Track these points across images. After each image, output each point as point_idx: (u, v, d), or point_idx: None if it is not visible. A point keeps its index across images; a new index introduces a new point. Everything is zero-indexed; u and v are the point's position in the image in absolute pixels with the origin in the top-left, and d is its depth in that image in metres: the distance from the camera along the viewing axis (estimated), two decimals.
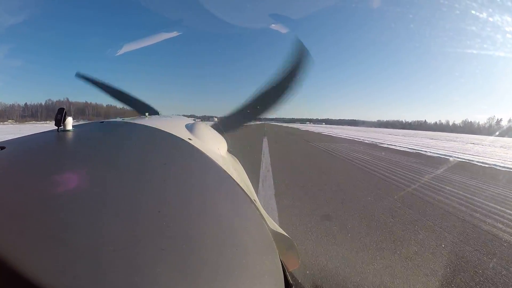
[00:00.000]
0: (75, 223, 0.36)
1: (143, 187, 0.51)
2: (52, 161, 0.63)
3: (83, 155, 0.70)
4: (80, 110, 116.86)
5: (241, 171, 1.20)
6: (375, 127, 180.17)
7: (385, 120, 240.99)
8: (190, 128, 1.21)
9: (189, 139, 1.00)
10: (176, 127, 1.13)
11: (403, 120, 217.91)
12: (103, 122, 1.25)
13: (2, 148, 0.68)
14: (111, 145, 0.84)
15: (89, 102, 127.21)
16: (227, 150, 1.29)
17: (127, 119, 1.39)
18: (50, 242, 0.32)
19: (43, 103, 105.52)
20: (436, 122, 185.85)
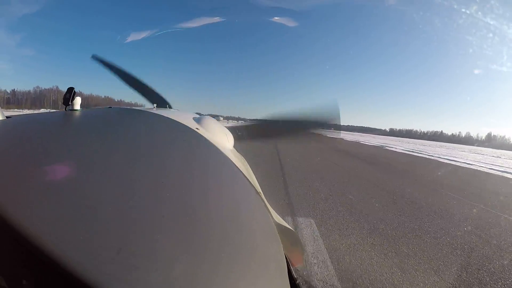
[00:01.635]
0: (77, 200, 0.35)
1: (149, 171, 0.50)
2: (56, 137, 0.61)
3: (88, 135, 0.68)
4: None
5: (246, 165, 1.14)
6: (387, 135, 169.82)
7: (397, 128, 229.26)
8: (198, 120, 1.22)
9: (196, 128, 0.99)
10: (184, 118, 1.13)
11: (418, 130, 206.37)
12: (111, 107, 1.24)
13: (8, 117, 0.69)
14: (118, 129, 0.83)
15: (79, 91, 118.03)
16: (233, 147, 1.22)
17: (135, 107, 1.40)
18: (49, 216, 0.31)
19: (31, 90, 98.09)
20: (453, 134, 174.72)
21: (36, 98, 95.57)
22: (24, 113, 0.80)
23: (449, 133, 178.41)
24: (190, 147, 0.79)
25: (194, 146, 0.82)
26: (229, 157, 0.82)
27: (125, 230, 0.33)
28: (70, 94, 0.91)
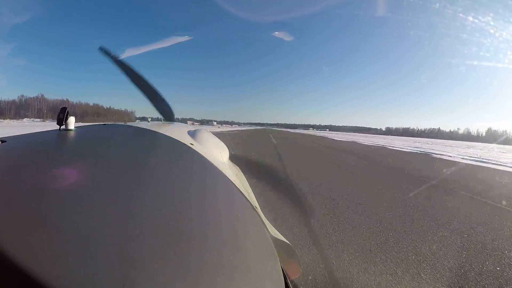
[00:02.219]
0: (71, 223, 0.35)
1: (144, 189, 0.50)
2: (52, 158, 0.62)
3: (83, 155, 0.69)
4: (55, 109, 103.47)
5: (242, 178, 1.15)
6: (384, 134, 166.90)
7: (394, 127, 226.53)
8: (192, 134, 1.23)
9: (191, 144, 0.99)
10: (178, 133, 1.14)
11: (415, 128, 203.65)
12: (105, 124, 1.25)
13: (3, 141, 0.70)
14: (113, 147, 0.84)
15: (65, 99, 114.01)
16: (229, 158, 1.29)
17: (129, 123, 1.40)
18: (44, 238, 0.31)
19: (16, 99, 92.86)
20: (451, 130, 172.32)
21: (20, 107, 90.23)
22: (18, 135, 0.86)
23: (447, 130, 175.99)
24: (185, 164, 0.79)
25: (189, 163, 0.82)
26: (224, 172, 0.82)
27: (121, 250, 0.32)
28: (64, 114, 0.93)
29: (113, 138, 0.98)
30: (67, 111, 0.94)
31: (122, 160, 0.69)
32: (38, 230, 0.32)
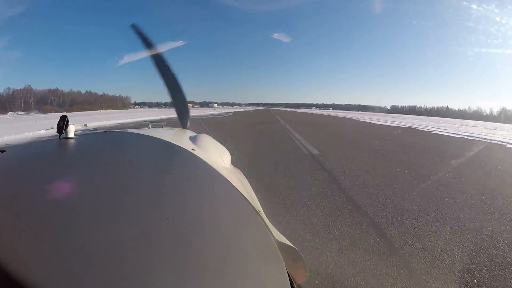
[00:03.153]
0: (74, 233, 0.35)
1: (146, 197, 0.51)
2: (52, 167, 0.63)
3: (84, 163, 0.70)
4: (42, 99, 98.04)
5: (245, 182, 1.17)
6: (390, 113, 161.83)
7: (400, 105, 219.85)
8: (193, 139, 1.25)
9: (192, 149, 1.00)
10: (179, 138, 1.19)
11: (423, 106, 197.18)
12: (105, 132, 1.28)
13: (2, 151, 0.70)
14: (114, 154, 0.85)
15: (55, 88, 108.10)
16: (231, 163, 1.29)
17: (130, 130, 1.42)
18: (45, 248, 0.32)
19: (3, 92, 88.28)
20: (460, 109, 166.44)
21: (7, 100, 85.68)
22: (18, 144, 0.88)
23: (456, 108, 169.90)
24: (186, 169, 0.81)
25: (190, 168, 0.83)
26: (227, 176, 0.82)
27: (125, 258, 0.32)
28: (64, 122, 0.94)
29: (113, 146, 0.99)
30: (67, 119, 0.95)
31: (123, 167, 0.69)
32: (40, 240, 0.33)
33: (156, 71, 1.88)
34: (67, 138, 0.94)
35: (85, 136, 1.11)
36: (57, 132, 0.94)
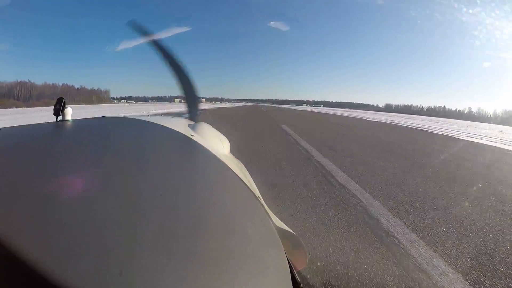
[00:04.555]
0: (71, 216, 0.35)
1: (145, 180, 0.51)
2: (49, 149, 0.62)
3: (81, 145, 0.69)
4: (9, 93, 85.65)
5: (244, 169, 1.13)
6: (384, 111, 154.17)
7: (394, 104, 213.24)
8: (192, 126, 1.23)
9: (191, 135, 1.00)
10: (178, 125, 1.14)
11: (419, 105, 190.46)
12: (103, 117, 1.26)
13: None
14: (112, 138, 0.85)
15: (27, 81, 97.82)
16: (230, 151, 1.29)
17: (128, 116, 1.35)
18: (41, 235, 0.31)
19: None
20: (458, 109, 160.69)
21: None
22: (14, 126, 0.87)
23: (453, 108, 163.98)
24: (186, 154, 0.81)
25: (190, 153, 0.83)
26: (226, 162, 0.82)
27: (125, 242, 0.32)
28: (61, 104, 0.93)
29: (112, 130, 0.97)
30: (64, 101, 0.93)
31: (122, 151, 0.68)
32: (35, 224, 0.32)
33: (162, 62, 1.80)
34: (64, 120, 0.93)
35: (82, 120, 1.06)
36: (54, 114, 0.92)
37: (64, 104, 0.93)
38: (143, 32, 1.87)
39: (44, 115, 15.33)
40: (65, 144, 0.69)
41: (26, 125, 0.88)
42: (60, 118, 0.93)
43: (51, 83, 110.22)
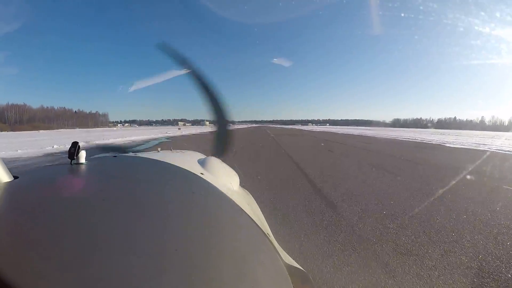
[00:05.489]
0: (87, 259, 0.36)
1: (157, 222, 0.52)
2: (65, 193, 0.65)
3: (96, 189, 0.72)
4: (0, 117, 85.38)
5: (254, 205, 1.16)
6: (392, 127, 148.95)
7: (402, 118, 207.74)
8: (202, 163, 1.25)
9: (201, 173, 1.01)
10: (189, 162, 1.16)
11: (429, 118, 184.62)
12: (116, 156, 1.28)
13: (16, 177, 0.73)
14: (125, 180, 0.87)
15: (22, 104, 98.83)
16: (240, 185, 1.29)
17: (139, 154, 1.42)
18: (58, 275, 0.33)
19: None
20: (467, 119, 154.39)
21: None
22: (30, 170, 0.91)
23: (464, 119, 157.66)
24: (196, 194, 0.82)
25: (199, 192, 0.84)
26: (235, 200, 0.83)
27: (132, 285, 0.33)
28: (75, 148, 0.97)
29: (124, 171, 1.00)
30: (78, 145, 0.98)
31: (134, 194, 0.70)
32: (53, 267, 0.33)
33: (198, 91, 1.85)
34: (78, 163, 0.96)
35: (96, 160, 1.10)
36: (68, 157, 0.97)
37: (79, 148, 0.97)
38: (174, 55, 1.89)
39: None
40: (81, 187, 0.72)
41: (42, 168, 1.00)
42: (74, 161, 0.97)
43: (48, 106, 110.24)
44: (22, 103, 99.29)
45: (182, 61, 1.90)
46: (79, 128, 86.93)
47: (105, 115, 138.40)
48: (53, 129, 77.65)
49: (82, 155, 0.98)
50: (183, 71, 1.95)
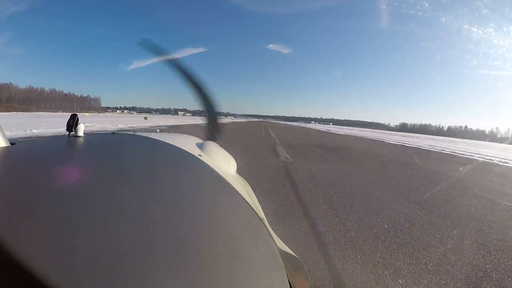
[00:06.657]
0: (78, 229, 0.36)
1: (151, 200, 0.52)
2: (61, 164, 0.65)
3: (91, 161, 0.72)
4: None
5: (249, 190, 1.15)
6: (398, 131, 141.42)
7: (410, 123, 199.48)
8: (200, 146, 1.24)
9: (199, 155, 1.01)
10: (187, 144, 1.16)
11: (438, 125, 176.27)
12: (114, 133, 1.31)
13: (13, 143, 0.74)
14: (121, 155, 0.87)
15: (9, 83, 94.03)
16: (236, 171, 1.31)
17: (138, 133, 1.44)
18: (50, 243, 0.33)
19: None
20: (479, 129, 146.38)
21: None
22: (28, 139, 0.88)
23: (474, 128, 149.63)
24: (193, 175, 0.81)
25: (197, 173, 0.84)
26: (232, 183, 0.83)
27: (122, 259, 0.33)
28: (74, 120, 0.97)
29: (122, 147, 0.99)
30: (77, 118, 0.98)
31: (130, 169, 0.70)
32: (43, 236, 0.33)
33: (181, 79, 1.90)
34: (76, 136, 0.96)
35: (94, 135, 1.10)
36: (66, 130, 0.96)
37: (77, 120, 0.96)
38: (156, 51, 1.92)
39: None
40: (77, 159, 0.72)
41: (40, 138, 0.96)
42: (73, 133, 0.96)
43: (38, 87, 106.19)
44: (9, 82, 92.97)
45: (164, 55, 1.94)
46: (62, 112, 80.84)
47: (97, 100, 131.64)
48: (31, 111, 71.34)
49: (81, 128, 0.98)
50: (167, 62, 1.91)
